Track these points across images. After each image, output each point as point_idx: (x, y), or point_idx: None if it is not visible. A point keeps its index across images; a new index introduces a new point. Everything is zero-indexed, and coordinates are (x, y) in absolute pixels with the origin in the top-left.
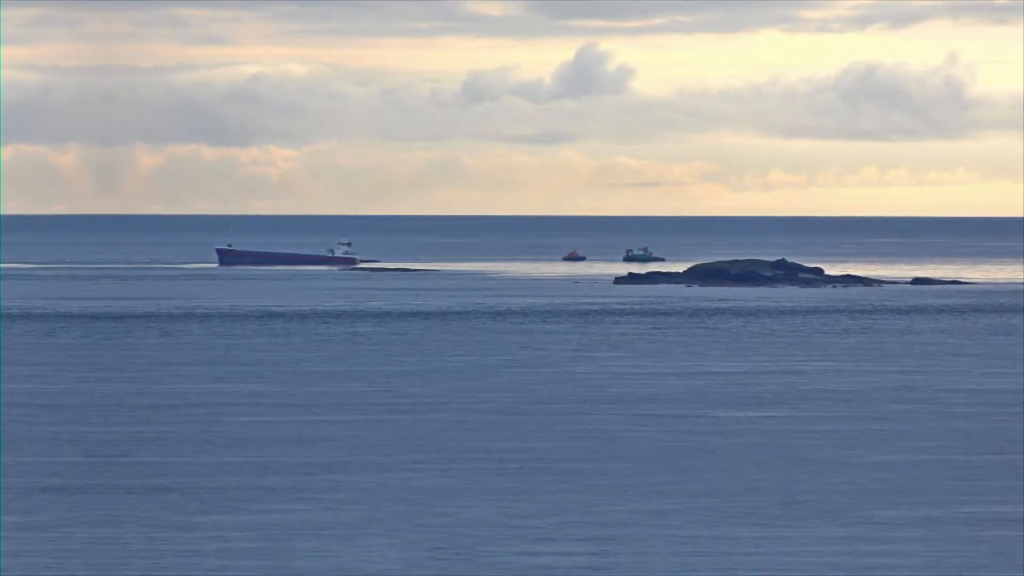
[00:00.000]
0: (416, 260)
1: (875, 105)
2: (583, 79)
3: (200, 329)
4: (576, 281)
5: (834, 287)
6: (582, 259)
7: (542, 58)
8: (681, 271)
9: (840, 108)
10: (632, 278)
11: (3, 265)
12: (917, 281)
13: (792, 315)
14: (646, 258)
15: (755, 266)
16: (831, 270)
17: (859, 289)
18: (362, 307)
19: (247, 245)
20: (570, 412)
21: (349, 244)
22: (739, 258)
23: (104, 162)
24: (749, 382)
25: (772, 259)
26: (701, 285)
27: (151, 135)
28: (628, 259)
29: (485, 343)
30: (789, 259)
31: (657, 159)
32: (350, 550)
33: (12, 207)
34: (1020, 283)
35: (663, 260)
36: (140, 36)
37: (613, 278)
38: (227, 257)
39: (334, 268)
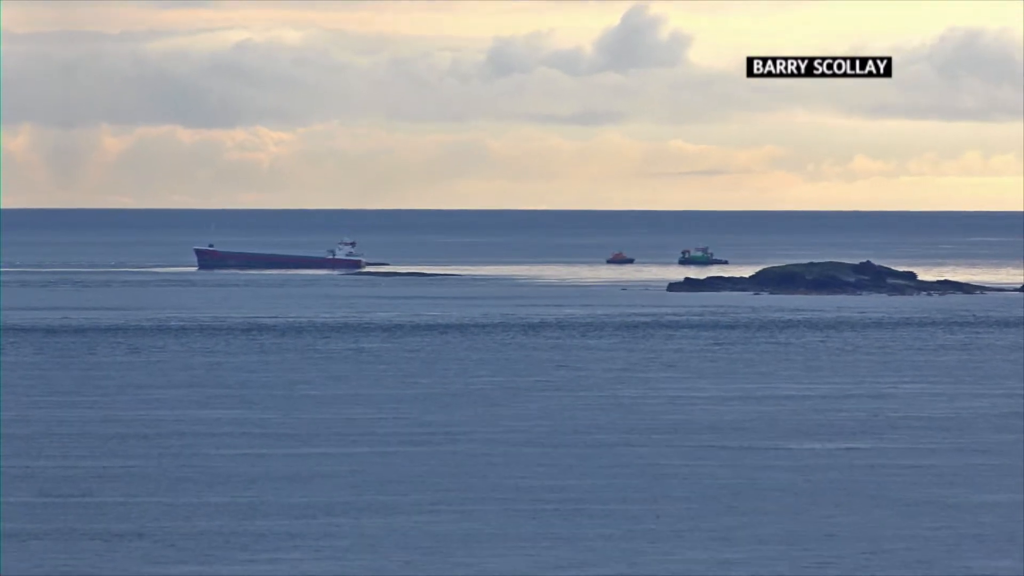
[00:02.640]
0: (432, 263)
1: (977, 79)
2: (630, 48)
3: (176, 345)
4: (623, 288)
5: (929, 295)
6: (630, 262)
7: (582, 23)
8: (747, 276)
9: (936, 83)
10: (689, 284)
11: None
12: None
13: (879, 328)
14: (705, 260)
15: (835, 270)
16: (925, 275)
17: (958, 297)
18: (368, 319)
19: (232, 245)
20: (615, 444)
21: (353, 244)
22: (816, 260)
23: (62, 146)
24: (828, 408)
25: (855, 262)
26: (771, 293)
27: (118, 114)
28: (684, 262)
29: (514, 362)
30: (875, 262)
31: (719, 143)
32: None
33: None
34: None
35: (725, 263)
36: None
37: (666, 284)
38: (208, 259)
39: (335, 272)
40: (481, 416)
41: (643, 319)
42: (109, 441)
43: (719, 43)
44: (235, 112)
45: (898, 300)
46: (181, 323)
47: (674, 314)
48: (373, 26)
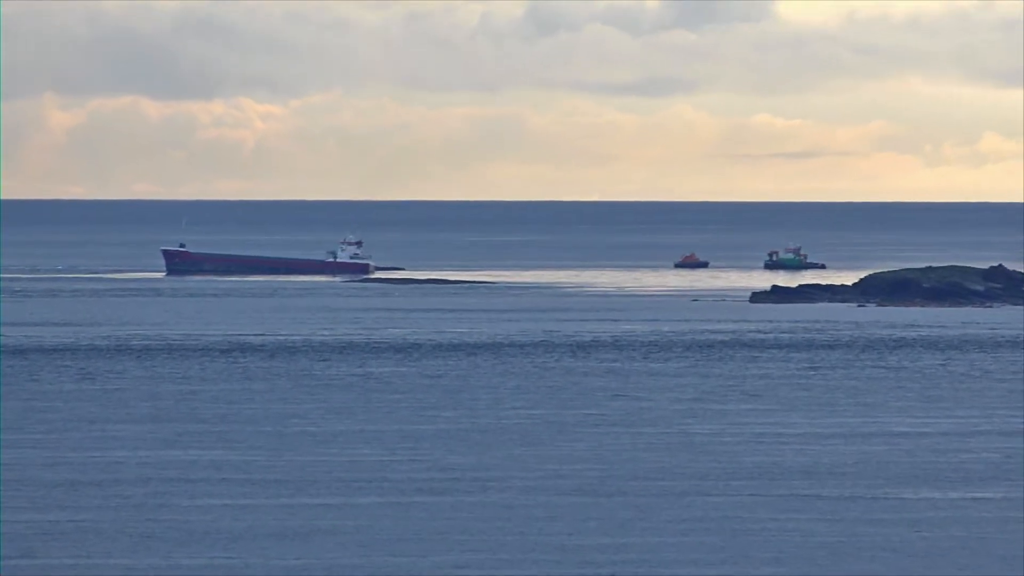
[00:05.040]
0: (457, 267)
1: None
2: (705, 1)
3: (139, 369)
4: (694, 299)
5: None
6: (703, 266)
7: None
8: (849, 284)
9: None
10: (777, 294)
11: None
12: None
13: (1014, 348)
14: (797, 264)
15: (959, 276)
16: None
17: None
18: (378, 337)
19: (208, 245)
20: (686, 492)
21: (359, 244)
22: (935, 264)
23: None
24: (950, 447)
25: (984, 266)
26: (879, 304)
27: (67, 83)
28: (771, 266)
29: (560, 390)
30: (1009, 266)
31: (815, 118)
32: None
33: None
34: None
35: (822, 267)
36: None
37: (749, 294)
38: (179, 263)
39: (337, 279)
40: (518, 458)
41: (720, 337)
42: (55, 489)
43: None
44: (212, 80)
45: None
46: (145, 342)
47: (758, 331)
48: None
